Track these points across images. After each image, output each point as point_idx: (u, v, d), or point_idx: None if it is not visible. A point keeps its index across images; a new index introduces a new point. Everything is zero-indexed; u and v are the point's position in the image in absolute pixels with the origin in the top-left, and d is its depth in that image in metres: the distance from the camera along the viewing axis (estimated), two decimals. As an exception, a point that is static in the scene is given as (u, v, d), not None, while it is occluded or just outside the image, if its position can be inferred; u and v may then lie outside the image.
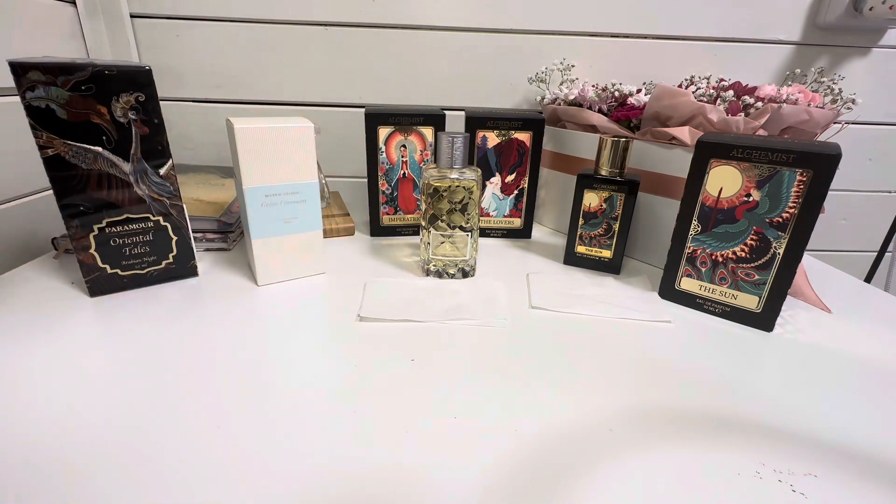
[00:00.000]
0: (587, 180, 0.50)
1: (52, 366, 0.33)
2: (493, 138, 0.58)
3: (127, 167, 0.40)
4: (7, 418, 0.28)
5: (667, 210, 0.51)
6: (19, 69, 0.34)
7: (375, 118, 0.55)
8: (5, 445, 0.26)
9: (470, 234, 0.47)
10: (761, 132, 0.46)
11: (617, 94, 0.57)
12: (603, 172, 0.49)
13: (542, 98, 0.67)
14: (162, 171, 0.42)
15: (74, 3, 0.62)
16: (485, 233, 0.63)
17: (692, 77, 0.54)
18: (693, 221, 0.43)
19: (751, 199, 0.39)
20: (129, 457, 0.26)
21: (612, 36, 0.71)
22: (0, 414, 0.28)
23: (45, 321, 0.38)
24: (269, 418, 0.29)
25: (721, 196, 0.41)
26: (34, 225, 0.56)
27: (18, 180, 0.54)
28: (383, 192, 0.60)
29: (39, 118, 0.35)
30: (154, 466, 0.25)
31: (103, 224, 0.40)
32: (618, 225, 0.50)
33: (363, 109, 0.55)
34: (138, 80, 0.38)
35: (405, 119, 0.56)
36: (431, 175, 0.46)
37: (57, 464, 0.25)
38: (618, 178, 0.48)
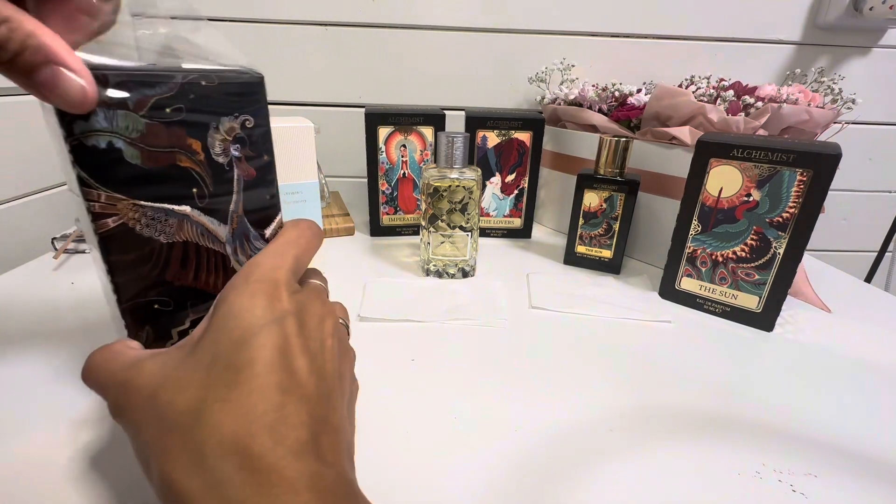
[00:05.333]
0: (587, 180, 0.50)
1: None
2: (493, 138, 0.58)
3: (223, 232, 0.25)
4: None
5: (667, 210, 0.51)
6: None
7: (375, 118, 0.55)
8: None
9: (470, 234, 0.47)
10: (761, 132, 0.46)
11: (617, 94, 0.57)
12: (603, 172, 0.49)
13: (542, 98, 0.67)
14: (268, 233, 0.27)
15: (74, 3, 0.62)
16: (485, 233, 0.63)
17: (692, 77, 0.54)
18: (693, 221, 0.43)
19: (751, 198, 0.39)
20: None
21: (612, 36, 0.71)
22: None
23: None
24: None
25: (721, 196, 0.41)
26: (34, 225, 0.56)
27: (18, 180, 0.54)
28: (383, 192, 0.60)
29: (95, 165, 0.20)
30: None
31: (186, 326, 0.25)
32: (618, 225, 0.50)
33: (363, 109, 0.55)
34: (246, 93, 0.24)
35: (405, 119, 0.56)
36: (431, 175, 0.46)
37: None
38: (618, 178, 0.48)
